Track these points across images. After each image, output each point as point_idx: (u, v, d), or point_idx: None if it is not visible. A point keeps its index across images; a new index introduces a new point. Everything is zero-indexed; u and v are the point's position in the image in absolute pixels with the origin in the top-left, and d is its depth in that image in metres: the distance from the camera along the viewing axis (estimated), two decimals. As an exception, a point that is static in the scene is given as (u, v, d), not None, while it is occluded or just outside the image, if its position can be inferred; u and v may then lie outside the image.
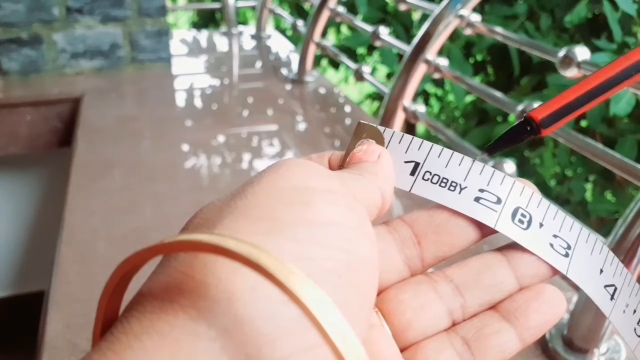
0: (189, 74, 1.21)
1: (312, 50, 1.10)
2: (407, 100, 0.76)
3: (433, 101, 2.01)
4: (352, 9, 1.59)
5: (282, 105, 1.04)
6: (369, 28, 0.91)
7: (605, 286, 0.21)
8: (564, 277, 0.21)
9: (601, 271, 0.21)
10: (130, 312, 0.15)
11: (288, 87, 1.12)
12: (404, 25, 1.62)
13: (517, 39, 0.67)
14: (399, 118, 0.77)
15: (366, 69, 0.93)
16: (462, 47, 1.56)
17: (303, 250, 0.16)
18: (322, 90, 1.10)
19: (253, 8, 1.75)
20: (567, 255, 0.20)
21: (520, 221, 0.20)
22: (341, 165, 0.22)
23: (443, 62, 0.73)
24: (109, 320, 0.17)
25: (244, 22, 2.30)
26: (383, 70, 2.05)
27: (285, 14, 1.42)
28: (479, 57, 1.73)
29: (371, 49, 1.82)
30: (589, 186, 1.55)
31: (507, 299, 0.21)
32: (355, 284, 0.17)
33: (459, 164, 0.21)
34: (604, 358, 0.44)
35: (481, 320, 0.21)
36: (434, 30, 0.73)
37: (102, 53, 1.15)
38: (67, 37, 1.11)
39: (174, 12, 2.28)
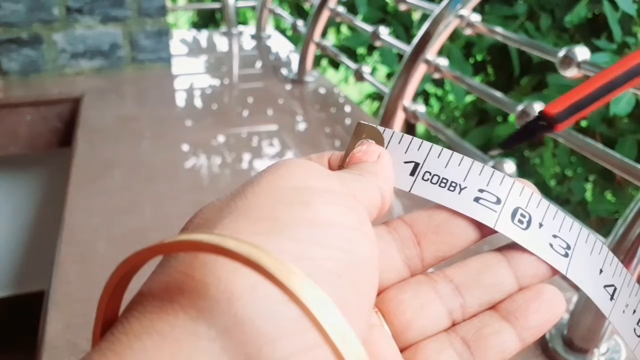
0: (189, 74, 1.21)
1: (312, 50, 1.10)
2: (407, 100, 0.76)
3: (433, 101, 2.01)
4: (352, 9, 1.59)
5: (282, 105, 1.04)
6: (369, 28, 0.91)
7: (605, 286, 0.21)
8: (564, 277, 0.21)
9: (601, 271, 0.21)
10: (130, 312, 0.15)
11: (288, 87, 1.12)
12: (404, 25, 1.62)
13: (517, 39, 0.67)
14: (399, 118, 0.77)
15: (366, 69, 0.93)
16: (462, 47, 1.56)
17: (303, 251, 0.16)
18: (322, 90, 1.10)
19: (253, 8, 1.75)
20: (566, 255, 0.20)
21: (520, 221, 0.20)
22: (341, 165, 0.22)
23: (443, 62, 0.73)
24: (109, 320, 0.17)
25: (244, 22, 2.30)
26: (383, 70, 2.05)
27: (285, 14, 1.42)
28: (479, 57, 1.73)
29: (371, 49, 1.82)
30: (589, 186, 1.55)
31: (507, 299, 0.21)
32: (355, 284, 0.17)
33: (459, 164, 0.21)
34: (604, 358, 0.44)
35: (481, 321, 0.21)
36: (434, 30, 0.73)
37: (102, 53, 1.15)
38: (67, 37, 1.11)
39: (174, 12, 2.28)
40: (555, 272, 0.21)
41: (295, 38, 1.59)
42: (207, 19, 2.07)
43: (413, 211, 0.22)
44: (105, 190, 0.71)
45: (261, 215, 0.17)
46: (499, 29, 0.68)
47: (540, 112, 0.26)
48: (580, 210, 1.46)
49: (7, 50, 1.09)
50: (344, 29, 2.00)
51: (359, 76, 0.93)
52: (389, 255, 0.21)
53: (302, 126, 0.97)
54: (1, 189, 1.24)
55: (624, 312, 0.21)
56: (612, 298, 0.21)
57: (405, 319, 0.20)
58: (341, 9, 1.03)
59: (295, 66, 1.17)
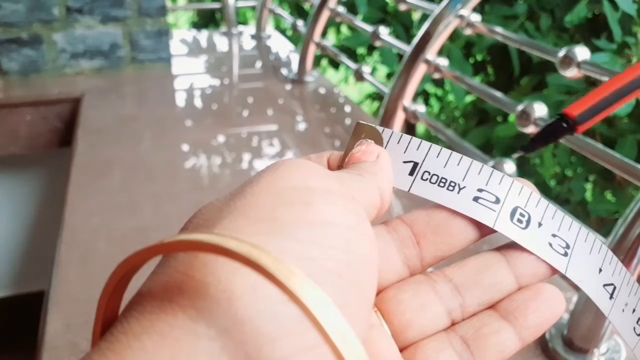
0: (189, 74, 1.21)
1: (312, 50, 1.10)
2: (407, 100, 0.76)
3: (433, 101, 2.01)
4: (352, 9, 1.59)
5: (282, 105, 1.04)
6: (369, 28, 0.91)
7: (604, 285, 0.21)
8: (563, 277, 0.21)
9: (600, 270, 0.21)
10: (129, 312, 0.15)
11: (288, 87, 1.12)
12: (404, 25, 1.62)
13: (517, 39, 0.67)
14: (399, 118, 0.77)
15: (366, 69, 0.93)
16: (462, 47, 1.56)
17: (303, 251, 0.16)
18: (322, 90, 1.10)
19: (253, 8, 1.75)
20: (566, 254, 0.20)
21: (519, 221, 0.20)
22: (340, 165, 0.22)
23: (443, 62, 0.73)
24: (108, 320, 0.17)
25: (244, 22, 2.30)
26: (383, 70, 2.05)
27: (285, 14, 1.42)
28: (479, 57, 1.73)
29: (371, 49, 1.82)
30: (589, 186, 1.55)
31: (506, 298, 0.21)
32: (355, 284, 0.17)
33: (458, 164, 0.21)
34: (604, 358, 0.44)
35: (480, 320, 0.21)
36: (434, 30, 0.73)
37: (102, 53, 1.15)
38: (67, 37, 1.11)
39: (174, 12, 2.28)
40: (554, 271, 0.21)
41: (295, 38, 1.59)
42: (207, 19, 2.07)
43: (412, 211, 0.22)
44: (105, 190, 0.71)
45: (261, 216, 0.17)
46: (499, 29, 0.68)
47: (561, 114, 0.26)
48: (580, 210, 1.46)
49: (7, 50, 1.09)
50: (344, 29, 2.00)
51: (359, 76, 0.93)
52: (388, 255, 0.21)
53: (302, 126, 0.97)
54: (1, 189, 1.24)
55: (623, 311, 0.21)
56: (611, 297, 0.21)
57: (405, 319, 0.20)
58: (341, 9, 1.03)
59: (295, 66, 1.17)
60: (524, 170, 1.52)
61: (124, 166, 0.78)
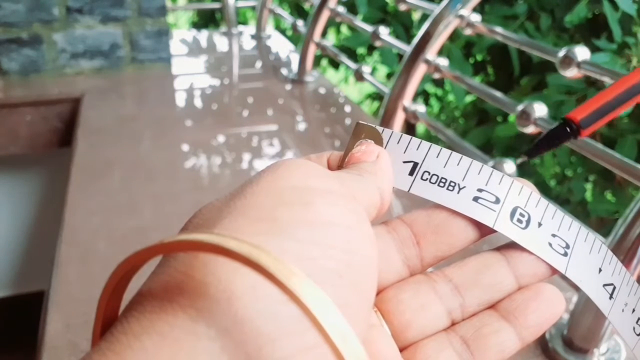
0: (189, 74, 1.21)
1: (312, 50, 1.10)
2: (407, 100, 0.76)
3: (433, 101, 2.01)
4: (352, 9, 1.59)
5: (282, 105, 1.04)
6: (369, 28, 0.91)
7: (604, 285, 0.21)
8: (563, 277, 0.21)
9: (600, 270, 0.21)
10: (130, 312, 0.15)
11: (288, 87, 1.12)
12: (404, 25, 1.62)
13: (517, 39, 0.67)
14: (399, 118, 0.77)
15: (366, 69, 0.93)
16: (462, 47, 1.56)
17: (303, 251, 0.16)
18: (322, 90, 1.10)
19: (253, 8, 1.75)
20: (565, 254, 0.20)
21: (519, 220, 0.20)
22: (340, 165, 0.22)
23: (443, 62, 0.73)
24: (108, 320, 0.17)
25: (244, 22, 2.30)
26: (383, 70, 2.05)
27: (285, 14, 1.42)
28: (479, 57, 1.73)
29: (371, 49, 1.82)
30: (589, 186, 1.55)
31: (506, 298, 0.21)
32: (355, 284, 0.17)
33: (457, 164, 0.21)
34: (604, 358, 0.44)
35: (480, 320, 0.21)
36: (434, 30, 0.73)
37: (102, 53, 1.15)
38: (67, 37, 1.11)
39: (174, 12, 2.28)
40: (554, 271, 0.21)
41: (295, 38, 1.59)
42: (207, 19, 2.07)
43: (412, 211, 0.22)
44: (105, 190, 0.71)
45: (261, 216, 0.17)
46: (499, 29, 0.68)
47: (565, 119, 0.26)
48: (580, 210, 1.46)
49: (7, 50, 1.09)
50: (344, 29, 2.00)
51: (359, 76, 0.93)
52: (388, 255, 0.21)
53: (302, 126, 0.97)
54: (1, 189, 1.24)
55: (623, 310, 0.21)
56: (611, 297, 0.21)
57: (405, 319, 0.20)
58: (341, 9, 1.03)
59: (295, 66, 1.17)
60: (524, 170, 1.52)
61: (124, 166, 0.78)
